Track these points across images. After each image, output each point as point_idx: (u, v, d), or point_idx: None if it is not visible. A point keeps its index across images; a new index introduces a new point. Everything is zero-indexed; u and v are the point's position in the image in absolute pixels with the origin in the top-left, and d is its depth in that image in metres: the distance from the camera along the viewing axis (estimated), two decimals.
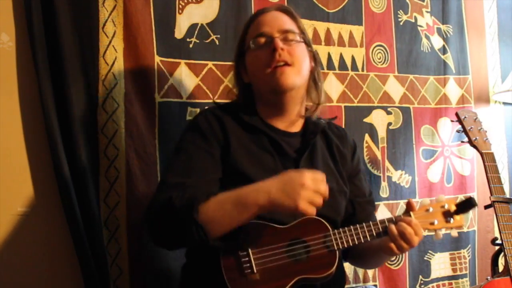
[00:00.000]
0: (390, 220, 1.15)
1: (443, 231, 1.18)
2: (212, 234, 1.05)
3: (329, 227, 1.14)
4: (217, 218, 1.05)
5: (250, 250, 1.09)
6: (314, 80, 1.33)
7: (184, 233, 1.06)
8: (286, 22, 1.29)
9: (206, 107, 1.39)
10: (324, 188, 1.03)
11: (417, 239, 1.12)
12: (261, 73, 1.24)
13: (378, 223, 1.15)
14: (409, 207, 1.17)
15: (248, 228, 1.09)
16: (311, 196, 1.01)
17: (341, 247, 1.13)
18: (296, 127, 1.33)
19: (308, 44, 1.31)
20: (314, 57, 1.33)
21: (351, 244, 1.14)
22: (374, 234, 1.14)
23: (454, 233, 1.18)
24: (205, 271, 1.15)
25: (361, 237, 1.14)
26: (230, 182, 1.15)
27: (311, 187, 1.01)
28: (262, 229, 1.12)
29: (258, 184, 1.06)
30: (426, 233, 1.16)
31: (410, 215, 1.15)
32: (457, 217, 1.15)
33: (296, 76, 1.24)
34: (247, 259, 1.09)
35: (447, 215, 1.16)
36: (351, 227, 1.15)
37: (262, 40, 1.25)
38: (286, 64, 1.22)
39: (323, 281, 1.12)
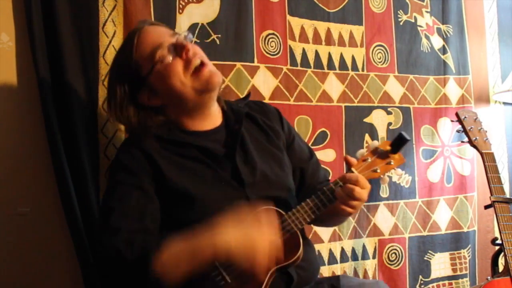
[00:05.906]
0: (336, 184, 1.14)
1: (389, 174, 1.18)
2: (167, 285, 1.02)
3: (282, 212, 1.13)
4: (172, 272, 1.01)
5: (216, 263, 1.06)
6: None
7: (139, 286, 1.05)
8: (166, 30, 1.25)
9: (124, 141, 1.33)
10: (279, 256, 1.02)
11: (365, 192, 1.13)
12: (184, 80, 1.17)
13: (326, 191, 1.14)
14: (349, 163, 1.16)
15: None
16: (267, 262, 0.99)
17: (300, 226, 1.13)
18: (218, 120, 1.28)
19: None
20: None
21: (308, 221, 1.13)
22: (326, 202, 1.14)
23: (399, 172, 1.17)
24: None
25: (315, 210, 1.13)
26: (174, 204, 1.15)
27: (269, 252, 0.99)
28: None
29: (215, 235, 1.00)
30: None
31: (352, 171, 1.14)
32: (395, 156, 1.15)
33: (218, 71, 1.21)
34: (216, 272, 1.07)
35: (385, 157, 1.15)
36: (302, 204, 1.14)
37: (162, 52, 1.17)
38: (202, 62, 1.18)
39: (295, 264, 1.12)
